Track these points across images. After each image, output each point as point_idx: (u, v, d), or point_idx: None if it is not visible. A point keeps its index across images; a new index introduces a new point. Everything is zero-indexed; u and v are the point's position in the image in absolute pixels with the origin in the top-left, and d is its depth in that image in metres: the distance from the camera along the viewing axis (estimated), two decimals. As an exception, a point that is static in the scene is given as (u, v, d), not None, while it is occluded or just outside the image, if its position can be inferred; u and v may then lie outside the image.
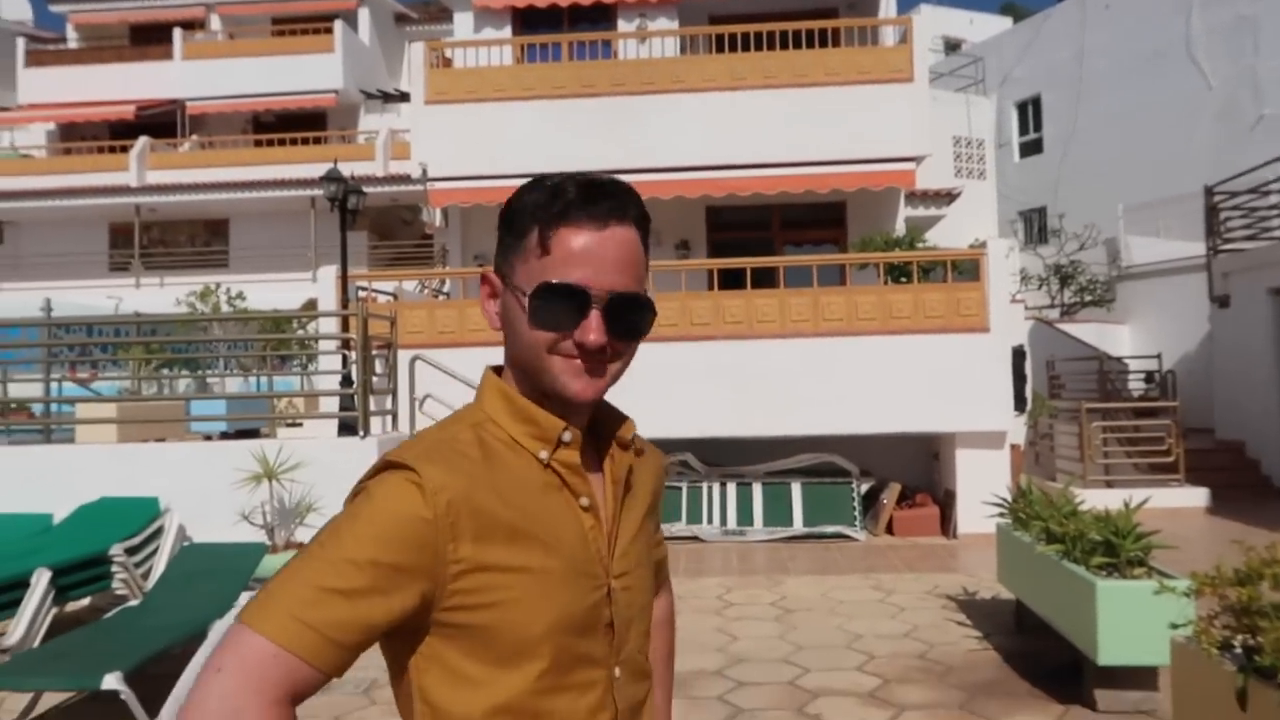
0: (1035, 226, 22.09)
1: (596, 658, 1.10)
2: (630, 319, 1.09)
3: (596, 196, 1.09)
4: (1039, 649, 5.43)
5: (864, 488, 9.64)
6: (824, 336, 9.20)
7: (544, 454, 1.10)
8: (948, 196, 15.13)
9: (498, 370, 1.18)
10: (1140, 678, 4.52)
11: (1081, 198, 19.94)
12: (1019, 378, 9.74)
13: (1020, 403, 9.92)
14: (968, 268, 9.68)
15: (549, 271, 1.07)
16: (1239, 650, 3.32)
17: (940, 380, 9.02)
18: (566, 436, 1.10)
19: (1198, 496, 10.54)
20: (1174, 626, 3.64)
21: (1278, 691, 2.94)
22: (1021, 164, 22.65)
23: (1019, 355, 9.82)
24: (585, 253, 1.07)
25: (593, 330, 1.07)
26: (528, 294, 1.08)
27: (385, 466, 1.06)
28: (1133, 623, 4.32)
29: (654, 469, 1.28)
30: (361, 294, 10.18)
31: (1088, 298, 17.86)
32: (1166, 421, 10.96)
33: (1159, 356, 14.89)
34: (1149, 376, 15.04)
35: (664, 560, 1.40)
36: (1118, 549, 4.65)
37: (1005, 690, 4.88)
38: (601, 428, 1.18)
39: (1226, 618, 3.31)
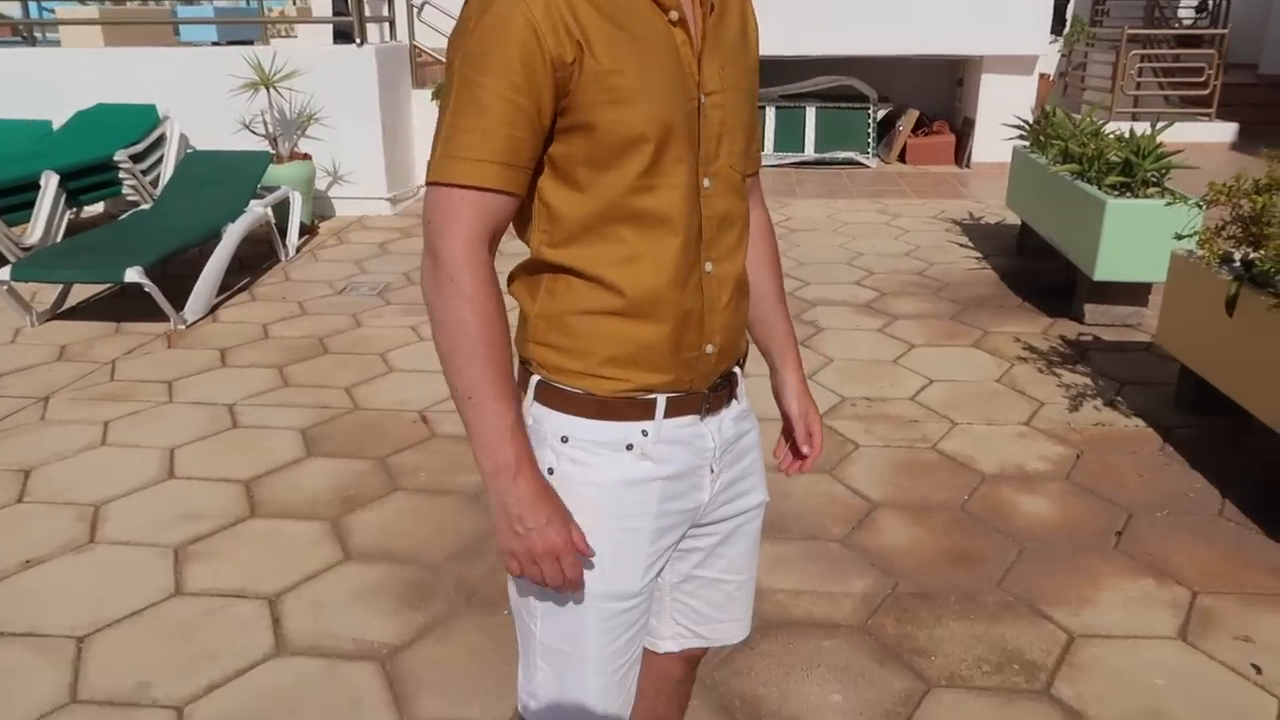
0: None
1: (687, 165, 1.14)
2: None
3: None
4: (1037, 269, 5.54)
5: (881, 114, 9.33)
6: (856, -57, 8.38)
7: None
8: None
9: None
10: (1132, 293, 4.64)
11: None
12: (1062, -4, 9.01)
13: (1058, 24, 9.27)
14: None
15: None
16: (1238, 263, 3.35)
17: (976, -4, 8.35)
18: None
19: (1225, 131, 10.21)
20: (1178, 237, 3.65)
21: (1267, 296, 3.00)
22: None
23: (1066, -31, 9.01)
24: None
25: None
26: None
27: None
28: (1136, 240, 4.35)
29: (744, 7, 1.27)
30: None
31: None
32: (1209, 51, 10.32)
33: (1217, -20, 13.69)
34: (1202, 3, 13.95)
35: (756, 128, 1.38)
36: (1135, 169, 4.55)
37: (997, 304, 5.05)
38: None
39: (1234, 228, 3.30)
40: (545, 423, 1.20)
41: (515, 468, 1.09)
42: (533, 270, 1.20)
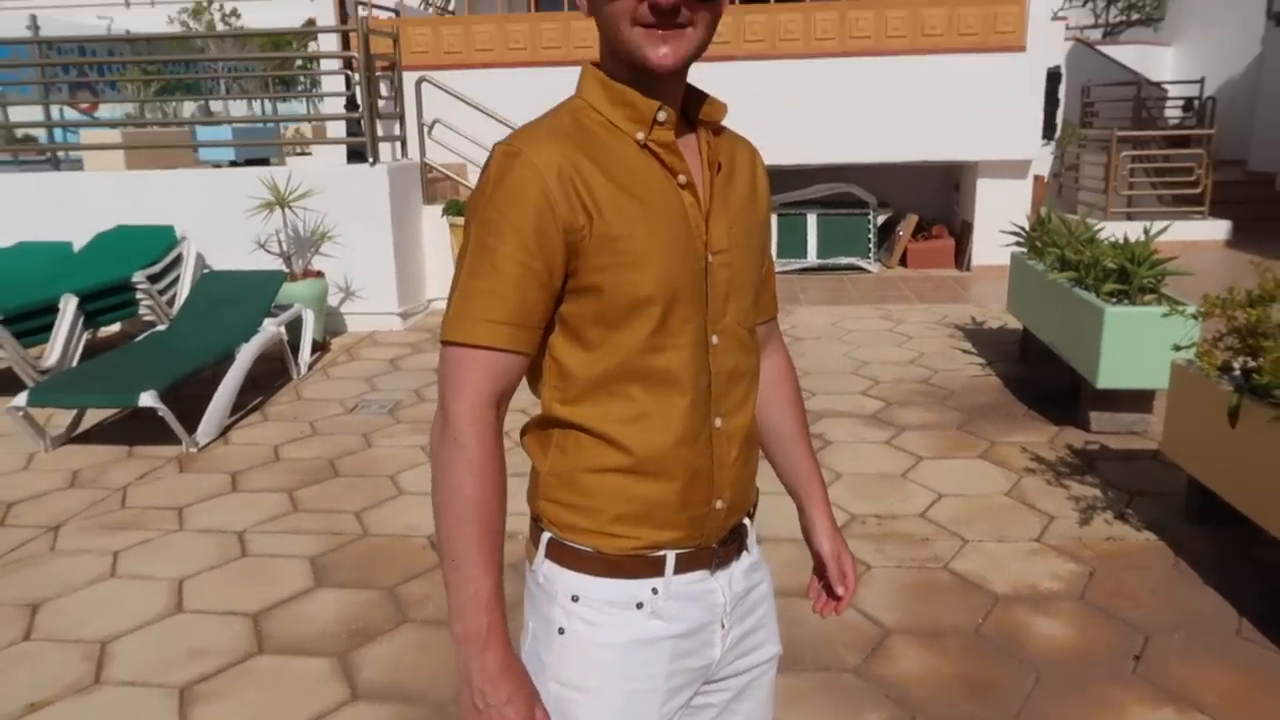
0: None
1: (695, 324, 1.18)
2: None
3: None
4: (1040, 376, 5.58)
5: (880, 219, 9.53)
6: (850, 56, 8.70)
7: (640, 135, 1.15)
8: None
9: (596, 65, 1.21)
10: (1136, 401, 4.66)
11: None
12: (1051, 102, 9.29)
13: (1050, 129, 9.54)
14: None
15: None
16: (1238, 372, 3.38)
17: (969, 104, 8.63)
18: (661, 116, 1.15)
19: (1219, 229, 10.38)
20: (1177, 348, 3.69)
21: (1269, 409, 3.02)
22: None
23: (1053, 78, 9.31)
24: None
25: None
26: None
27: (496, 155, 1.12)
28: (1136, 347, 4.39)
29: (753, 161, 1.33)
30: (361, 10, 9.58)
31: (1135, 15, 16.66)
32: (1198, 151, 10.58)
33: (1201, 81, 14.11)
34: (1187, 104, 14.35)
35: (770, 276, 1.43)
36: (1131, 275, 4.63)
37: (1003, 412, 5.07)
38: (695, 113, 1.22)
39: (1231, 339, 3.34)
40: (556, 581, 1.21)
41: (485, 638, 1.08)
42: (544, 426, 1.22)
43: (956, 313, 7.41)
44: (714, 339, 1.20)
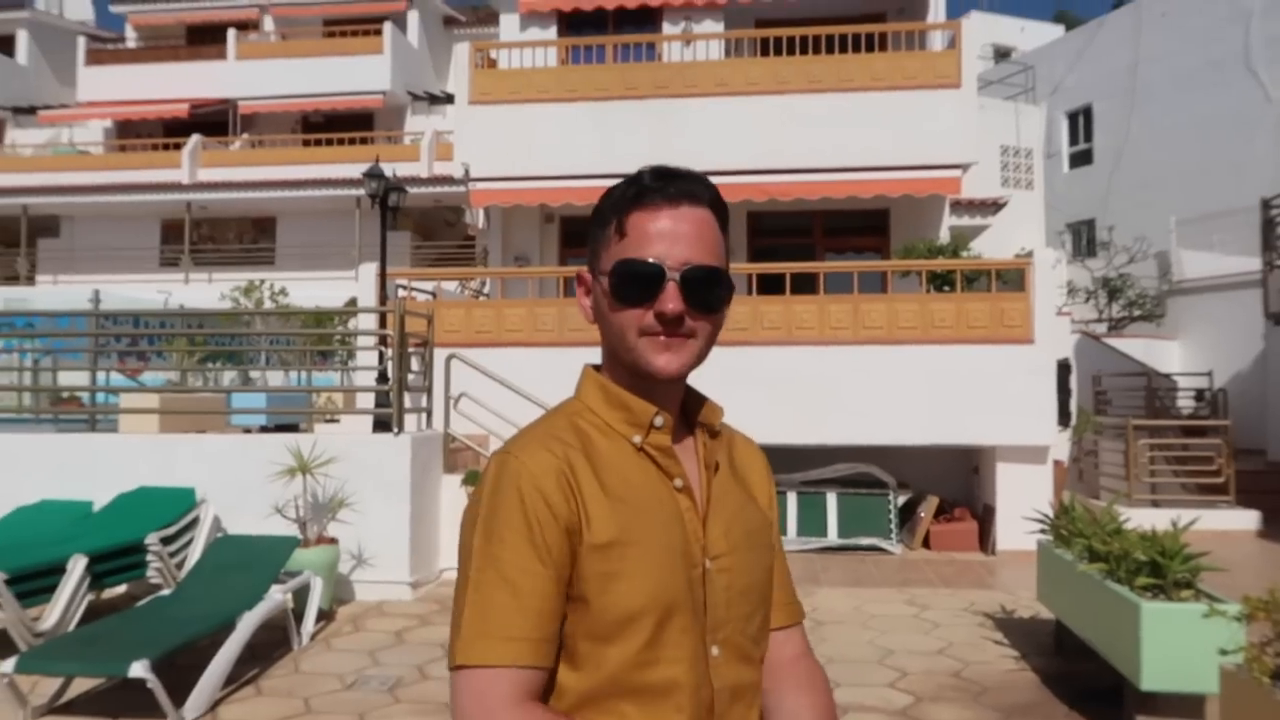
0: (1084, 239, 21.65)
1: (693, 636, 1.12)
2: (706, 293, 1.15)
3: (669, 179, 1.17)
4: (1079, 671, 5.27)
5: (901, 500, 9.47)
6: (864, 345, 9.06)
7: (637, 438, 1.16)
8: (994, 206, 14.89)
9: (597, 368, 1.24)
10: (1185, 705, 4.35)
11: (1132, 210, 19.50)
12: (1063, 391, 9.52)
13: (1064, 417, 9.70)
14: (1013, 278, 9.48)
15: (627, 251, 1.15)
16: (1292, 680, 3.17)
17: (982, 392, 8.83)
18: (658, 421, 1.16)
19: (1248, 519, 10.21)
20: (1224, 653, 3.49)
21: (1333, 725, 2.79)
22: (1071, 175, 22.22)
23: (1064, 369, 9.60)
24: (659, 232, 1.14)
25: (669, 300, 1.12)
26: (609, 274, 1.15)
27: (493, 463, 1.14)
28: (1178, 647, 4.16)
29: (753, 461, 1.32)
30: (401, 292, 10.22)
31: (1136, 312, 17.45)
32: (1217, 441, 10.64)
33: (1210, 374, 14.49)
34: (1199, 395, 14.65)
35: (784, 579, 1.32)
36: (1164, 570, 4.48)
37: (1043, 713, 4.74)
38: (693, 415, 1.24)
39: (1279, 645, 3.16)
40: None
41: None
42: None
43: (984, 599, 7.14)
44: (714, 650, 1.15)
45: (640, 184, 1.17)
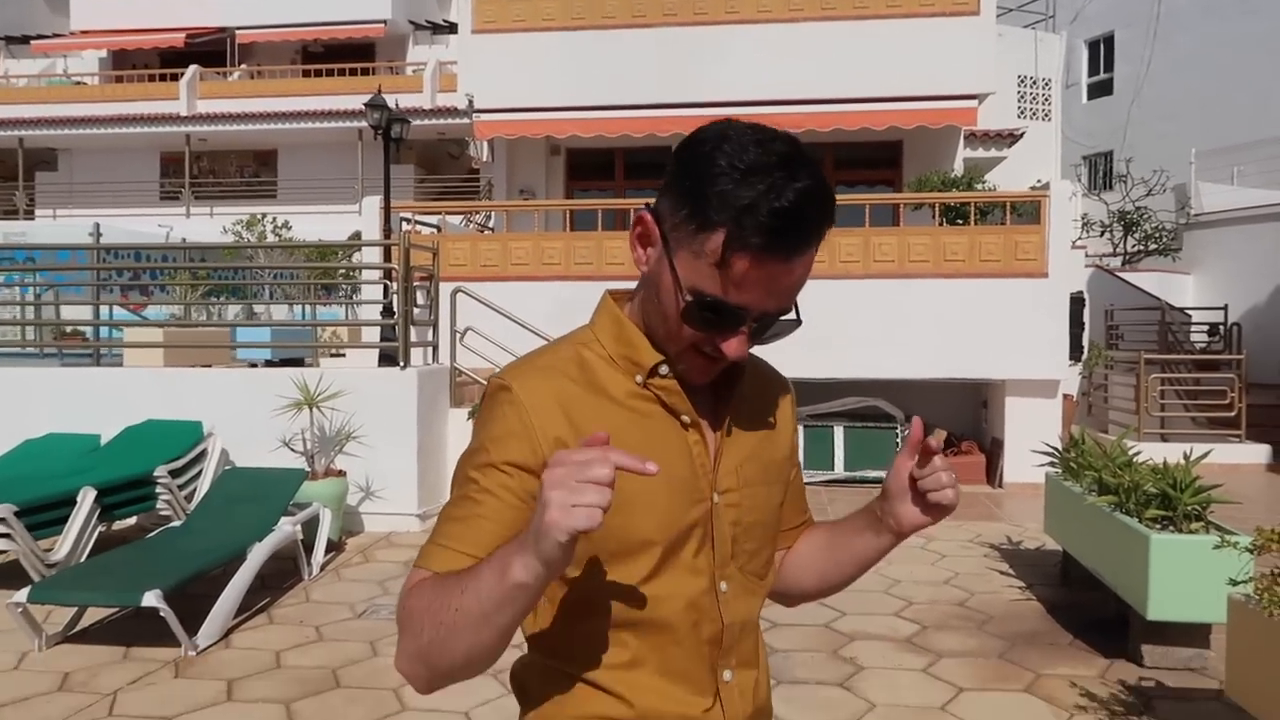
0: (1100, 172, 21.24)
1: (700, 570, 1.10)
2: (774, 331, 1.09)
3: (797, 224, 1.00)
4: (1084, 601, 5.28)
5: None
6: (874, 278, 8.95)
7: (639, 378, 1.11)
8: (1009, 138, 14.59)
9: (617, 296, 1.19)
10: (1191, 634, 4.36)
11: (1151, 142, 19.09)
12: (1076, 325, 9.42)
13: (1076, 351, 9.61)
14: (1028, 210, 9.31)
15: (719, 285, 1.02)
16: (1302, 610, 3.15)
17: (994, 326, 8.75)
18: (664, 370, 1.11)
19: (1258, 453, 10.20)
20: (1233, 583, 3.47)
21: (1344, 655, 2.78)
22: (1089, 105, 21.71)
23: (1077, 302, 9.48)
24: (760, 282, 1.02)
25: (736, 347, 1.06)
26: (687, 290, 1.04)
27: (489, 389, 1.13)
28: (1187, 578, 4.15)
29: (772, 394, 1.26)
30: (405, 225, 10.10)
31: (1152, 246, 17.19)
32: (1229, 375, 10.57)
33: (1225, 308, 14.34)
34: (1212, 329, 14.52)
35: (798, 491, 1.35)
36: (1174, 502, 4.45)
37: (1047, 641, 4.76)
38: None
39: (1292, 576, 3.14)
40: None
41: (515, 545, 0.94)
42: (530, 667, 1.16)
43: (991, 531, 7.16)
44: (722, 585, 1.13)
45: (764, 222, 0.98)
